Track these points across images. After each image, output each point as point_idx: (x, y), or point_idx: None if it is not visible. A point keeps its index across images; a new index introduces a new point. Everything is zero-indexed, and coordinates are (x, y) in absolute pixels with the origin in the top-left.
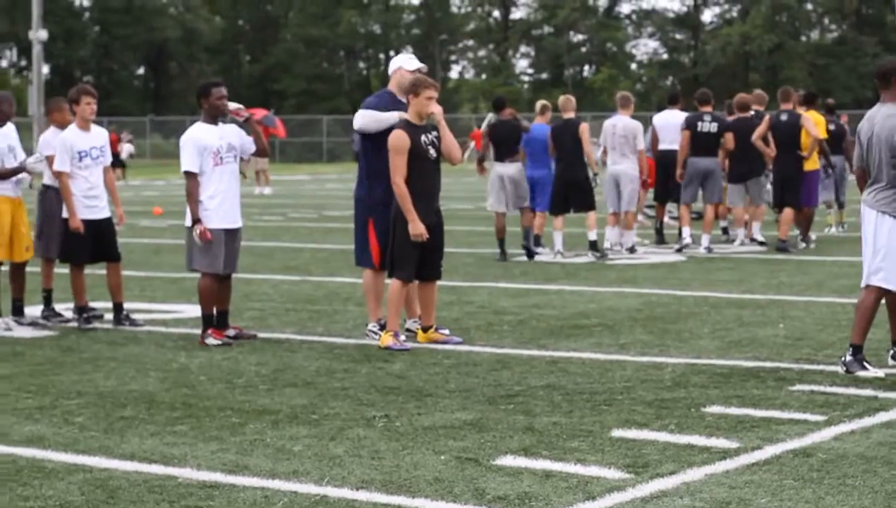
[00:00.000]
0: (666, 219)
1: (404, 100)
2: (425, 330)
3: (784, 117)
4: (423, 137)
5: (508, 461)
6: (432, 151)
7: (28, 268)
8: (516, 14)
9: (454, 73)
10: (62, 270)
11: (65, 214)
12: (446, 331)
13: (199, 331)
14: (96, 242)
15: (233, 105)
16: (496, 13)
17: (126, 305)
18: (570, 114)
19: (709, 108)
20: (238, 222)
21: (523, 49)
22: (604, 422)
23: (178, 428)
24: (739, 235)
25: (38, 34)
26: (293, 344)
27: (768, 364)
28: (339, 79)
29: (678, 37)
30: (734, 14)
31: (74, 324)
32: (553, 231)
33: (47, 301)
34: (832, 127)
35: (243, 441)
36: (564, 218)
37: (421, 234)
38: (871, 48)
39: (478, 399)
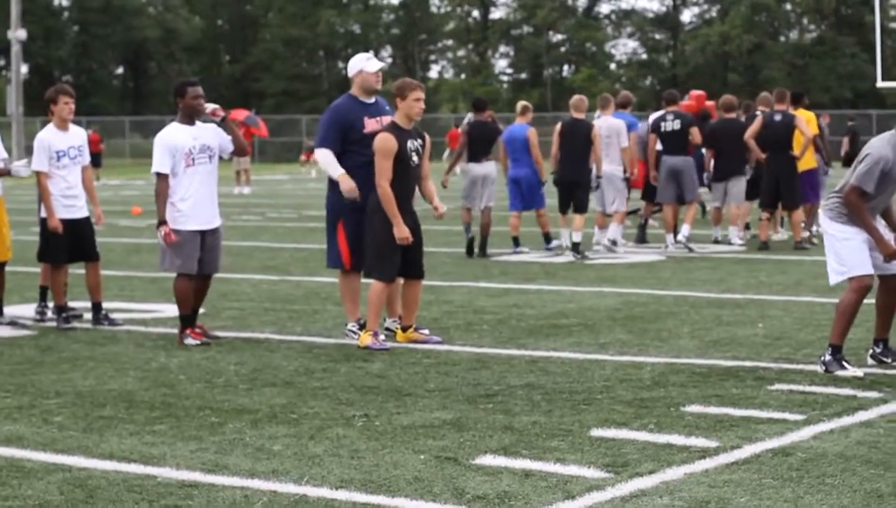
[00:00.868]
0: (651, 220)
1: (369, 101)
2: (405, 329)
3: (778, 118)
4: (409, 143)
5: (488, 460)
6: (415, 158)
7: (19, 268)
8: (495, 14)
9: (433, 73)
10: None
11: (43, 214)
12: (426, 331)
13: (178, 331)
14: (74, 242)
15: (209, 105)
16: (475, 13)
17: (105, 305)
18: (582, 115)
19: (674, 108)
20: (214, 222)
21: (503, 49)
22: (583, 421)
23: (158, 428)
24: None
25: (17, 33)
26: (272, 344)
27: (747, 363)
28: (318, 79)
29: (657, 37)
30: (713, 14)
31: (53, 324)
32: (561, 229)
33: (42, 296)
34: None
35: (222, 440)
36: (565, 216)
37: (406, 238)
38: (849, 48)
39: (457, 398)
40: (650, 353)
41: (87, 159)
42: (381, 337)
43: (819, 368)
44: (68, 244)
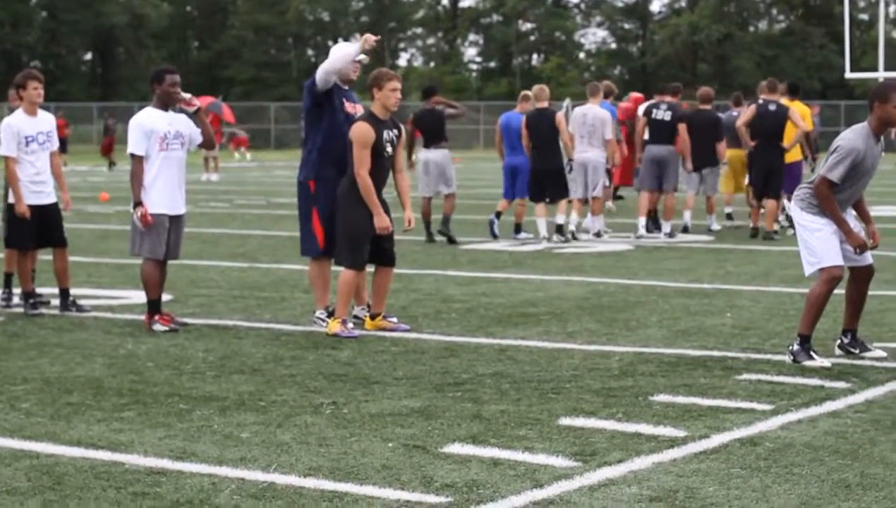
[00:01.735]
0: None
1: (345, 88)
2: (373, 317)
3: (772, 108)
4: (385, 133)
5: (456, 448)
6: (389, 149)
7: None
8: (465, 2)
9: (403, 61)
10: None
11: (10, 199)
12: (394, 319)
13: (145, 316)
14: (42, 228)
15: (186, 95)
16: (445, 1)
17: (72, 291)
18: (544, 104)
19: (669, 98)
20: (181, 209)
21: (472, 37)
22: (551, 410)
23: (125, 415)
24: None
25: None
26: (240, 331)
27: (715, 353)
28: (287, 66)
29: (627, 26)
30: (682, 4)
31: (20, 310)
32: (536, 218)
33: (7, 282)
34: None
35: (190, 427)
36: (546, 205)
37: (387, 227)
38: (818, 39)
39: (425, 386)
40: (618, 343)
41: (55, 145)
42: (350, 324)
43: (787, 358)
44: (36, 230)
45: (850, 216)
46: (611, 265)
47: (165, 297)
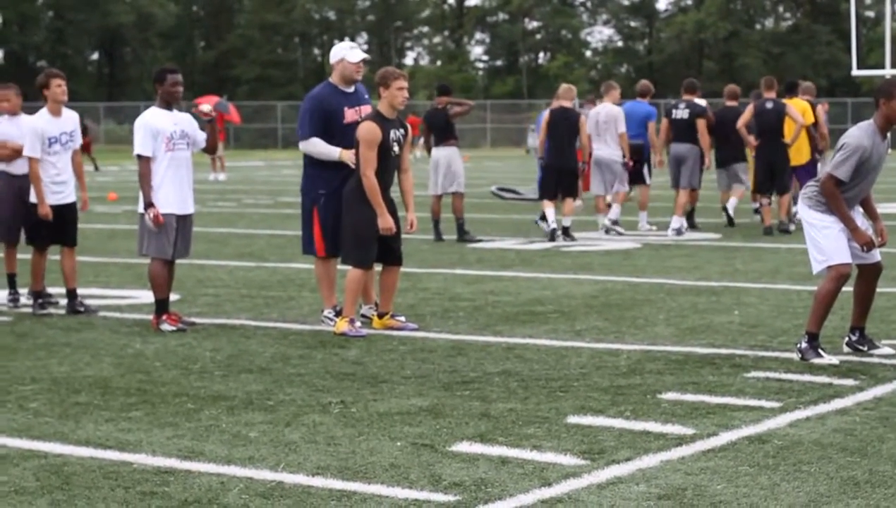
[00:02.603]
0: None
1: (349, 90)
2: (381, 316)
3: (769, 105)
4: (391, 133)
5: (464, 447)
6: (396, 148)
7: None
8: (471, 1)
9: (409, 60)
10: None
11: (32, 198)
12: (402, 318)
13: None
14: (56, 227)
15: (205, 106)
16: (451, 0)
17: (80, 291)
18: (569, 103)
19: (690, 97)
20: (189, 208)
21: (478, 36)
22: (559, 409)
23: (133, 414)
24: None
25: None
26: (248, 330)
27: (723, 350)
28: (293, 65)
29: (633, 24)
30: (689, 2)
31: (28, 310)
32: (546, 210)
33: (12, 283)
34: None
35: (198, 427)
36: (555, 201)
37: (391, 228)
38: (825, 36)
39: (433, 385)
40: (626, 341)
41: (77, 144)
42: (358, 323)
43: (795, 355)
44: (52, 229)
45: (858, 213)
46: (618, 263)
47: (173, 297)
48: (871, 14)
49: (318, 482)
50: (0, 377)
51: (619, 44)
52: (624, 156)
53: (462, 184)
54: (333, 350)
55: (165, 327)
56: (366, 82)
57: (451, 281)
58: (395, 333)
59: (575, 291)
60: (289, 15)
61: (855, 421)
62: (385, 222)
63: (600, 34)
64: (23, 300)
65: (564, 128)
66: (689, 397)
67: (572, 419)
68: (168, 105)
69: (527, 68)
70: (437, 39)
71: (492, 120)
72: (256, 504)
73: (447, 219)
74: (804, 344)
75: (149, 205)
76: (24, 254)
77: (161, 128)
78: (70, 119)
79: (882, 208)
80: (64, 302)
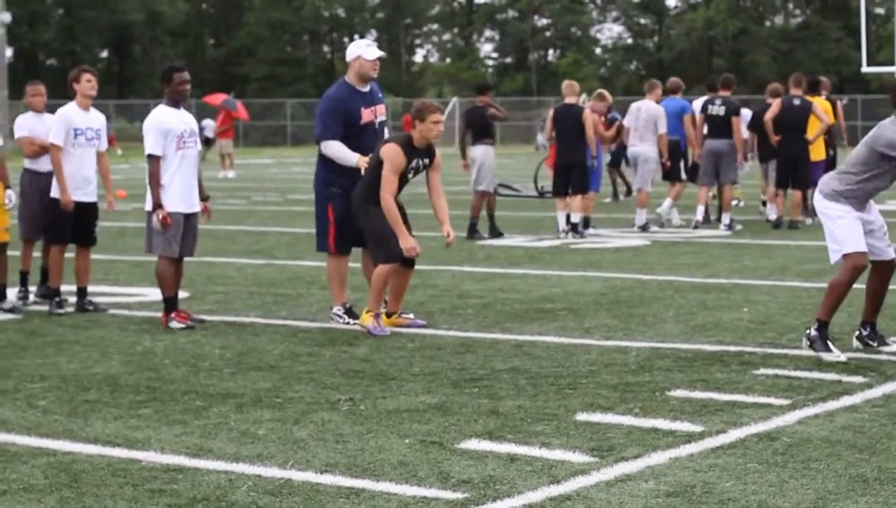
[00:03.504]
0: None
1: (364, 89)
2: (389, 315)
3: (797, 102)
4: (414, 161)
5: (473, 444)
6: (411, 175)
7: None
8: None
9: (419, 57)
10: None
11: (54, 193)
12: (410, 315)
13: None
14: (76, 225)
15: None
16: None
17: (89, 288)
18: (573, 99)
19: (726, 93)
20: (196, 207)
21: (488, 33)
22: (568, 406)
23: (142, 412)
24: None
25: (2, 17)
26: (257, 328)
27: (732, 348)
28: (302, 62)
29: (643, 21)
30: None
31: (38, 308)
32: (558, 211)
33: (23, 281)
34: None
35: (207, 424)
36: (566, 199)
37: (413, 248)
38: (834, 33)
39: (442, 382)
40: (635, 338)
41: (104, 144)
42: (381, 321)
43: (803, 342)
44: (72, 227)
45: (873, 209)
46: (627, 260)
47: (182, 294)
48: (880, 11)
49: (326, 479)
50: (9, 374)
51: (629, 41)
52: (661, 156)
53: (491, 184)
54: (342, 347)
55: (174, 324)
56: (380, 79)
57: (459, 279)
58: (403, 330)
59: (584, 288)
60: (298, 12)
61: (864, 419)
62: (407, 243)
63: (610, 31)
64: (31, 298)
65: (570, 124)
66: (698, 394)
67: (581, 416)
68: (176, 103)
69: (536, 65)
70: (446, 36)
71: None
72: (265, 502)
73: (485, 216)
74: (813, 332)
75: (157, 205)
76: (33, 254)
77: (171, 127)
78: (97, 118)
79: (888, 206)
80: (73, 299)
